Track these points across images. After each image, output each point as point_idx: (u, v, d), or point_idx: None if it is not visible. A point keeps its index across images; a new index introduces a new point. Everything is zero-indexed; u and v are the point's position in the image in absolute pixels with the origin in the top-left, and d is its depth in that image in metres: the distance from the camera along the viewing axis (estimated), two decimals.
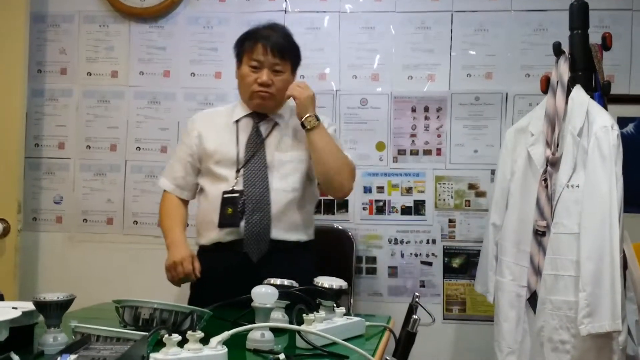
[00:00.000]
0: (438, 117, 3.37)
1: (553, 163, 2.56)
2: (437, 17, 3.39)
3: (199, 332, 1.40)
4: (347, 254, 3.27)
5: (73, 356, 1.31)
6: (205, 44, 3.50)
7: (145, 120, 3.51)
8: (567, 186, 2.49)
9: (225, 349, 1.42)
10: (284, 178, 2.55)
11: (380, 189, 3.39)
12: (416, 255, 3.36)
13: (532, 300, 2.59)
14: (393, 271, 3.38)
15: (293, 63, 2.64)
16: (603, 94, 2.65)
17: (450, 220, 3.36)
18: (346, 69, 3.43)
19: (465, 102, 3.36)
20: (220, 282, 2.44)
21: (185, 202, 2.72)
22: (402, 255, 3.37)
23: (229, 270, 2.47)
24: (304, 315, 1.73)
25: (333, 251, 3.21)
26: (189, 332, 1.39)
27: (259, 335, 1.65)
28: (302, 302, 1.90)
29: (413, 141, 3.38)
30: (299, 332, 1.69)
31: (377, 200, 3.39)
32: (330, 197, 3.30)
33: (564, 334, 2.44)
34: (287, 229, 2.54)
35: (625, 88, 3.25)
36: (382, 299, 3.37)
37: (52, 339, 1.57)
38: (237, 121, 2.63)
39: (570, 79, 2.60)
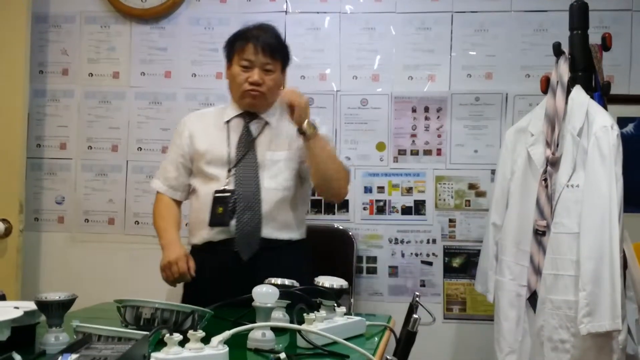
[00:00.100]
0: (438, 117, 3.38)
1: (553, 163, 2.56)
2: (437, 18, 3.39)
3: (200, 331, 1.40)
4: (347, 254, 3.28)
5: (74, 356, 1.32)
6: (206, 45, 3.50)
7: (146, 121, 3.51)
8: (567, 186, 2.49)
9: (226, 349, 1.43)
10: (275, 177, 2.57)
11: (381, 189, 3.40)
12: (416, 255, 3.37)
13: (532, 299, 2.59)
14: (393, 271, 3.38)
15: (283, 62, 2.66)
16: (603, 94, 2.65)
17: (450, 220, 3.36)
18: (346, 69, 3.44)
19: (465, 102, 3.37)
20: (211, 281, 2.48)
21: (179, 203, 2.73)
22: (403, 255, 3.37)
23: (220, 269, 2.50)
24: (304, 314, 1.73)
25: (334, 251, 3.22)
26: (190, 332, 1.40)
27: (260, 334, 1.66)
28: (302, 301, 1.90)
29: (413, 141, 3.39)
30: (299, 331, 1.69)
31: (377, 200, 3.40)
32: None
33: (564, 333, 2.45)
34: (278, 227, 2.55)
35: (625, 88, 3.25)
36: (383, 298, 3.38)
37: (54, 339, 1.58)
38: (228, 121, 2.65)
39: (570, 79, 2.60)
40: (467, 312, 3.35)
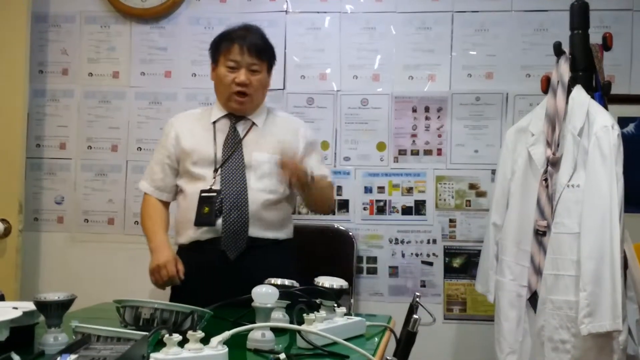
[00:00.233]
0: (439, 117, 3.38)
1: (553, 163, 2.56)
2: (438, 18, 3.39)
3: (200, 332, 1.40)
4: (347, 254, 3.28)
5: (73, 356, 1.32)
6: (206, 45, 3.41)
7: (146, 121, 3.51)
8: (568, 186, 2.49)
9: (226, 349, 1.42)
10: (262, 179, 2.57)
11: (381, 189, 3.39)
12: (417, 255, 3.37)
13: (533, 300, 2.59)
14: (394, 271, 3.38)
15: (269, 63, 2.67)
16: (603, 94, 2.65)
17: (450, 220, 3.36)
18: (347, 69, 3.44)
19: (465, 102, 3.36)
20: (199, 280, 2.49)
21: (166, 204, 2.74)
22: (403, 255, 3.37)
23: (207, 268, 2.50)
24: (304, 315, 1.73)
25: (334, 251, 3.22)
26: (190, 332, 1.40)
27: (259, 335, 1.66)
28: (302, 301, 1.90)
29: (414, 141, 3.38)
30: (299, 331, 1.69)
31: (377, 200, 3.39)
32: None
33: (565, 333, 2.44)
34: (265, 227, 2.56)
35: (625, 88, 3.25)
36: (383, 298, 3.37)
37: (53, 339, 1.57)
38: (214, 122, 2.66)
39: (570, 79, 2.60)
40: (468, 312, 3.34)
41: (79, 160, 3.55)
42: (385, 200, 3.39)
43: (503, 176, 2.84)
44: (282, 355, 1.43)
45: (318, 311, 1.82)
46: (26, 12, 3.31)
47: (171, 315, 1.73)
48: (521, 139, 2.77)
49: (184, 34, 3.51)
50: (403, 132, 3.39)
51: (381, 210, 3.39)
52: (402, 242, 3.37)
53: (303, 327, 1.68)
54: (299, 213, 3.26)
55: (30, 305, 1.65)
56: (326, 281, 1.99)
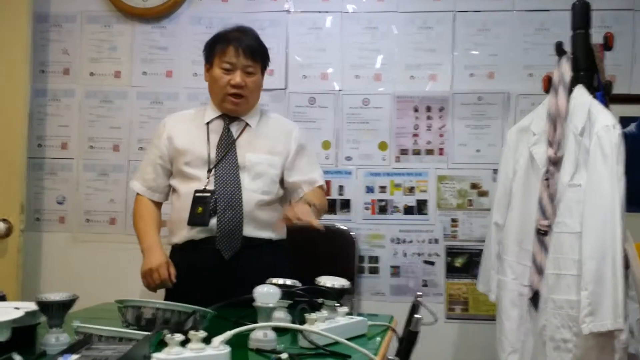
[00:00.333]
0: (440, 116, 3.38)
1: (555, 162, 2.56)
2: (440, 17, 3.39)
3: (202, 331, 1.40)
4: (349, 254, 3.28)
5: (75, 356, 1.32)
6: None
7: (148, 121, 3.51)
8: (569, 185, 2.49)
9: (228, 349, 1.42)
10: (255, 179, 2.58)
11: (383, 189, 3.39)
12: (419, 254, 3.37)
13: (535, 299, 2.59)
14: (395, 271, 3.38)
15: (263, 64, 2.68)
16: (605, 94, 2.65)
17: (452, 220, 3.36)
18: (348, 68, 3.44)
19: (467, 101, 3.36)
20: (193, 280, 2.50)
21: (159, 204, 2.75)
22: (405, 255, 3.37)
23: (202, 267, 2.51)
24: (306, 314, 1.73)
25: (335, 251, 3.21)
26: (192, 332, 1.39)
27: (261, 334, 1.66)
28: (304, 301, 1.90)
29: (415, 141, 3.38)
30: (301, 331, 1.69)
31: (379, 200, 3.39)
32: (332, 197, 3.39)
33: (566, 332, 2.44)
34: (259, 227, 2.56)
35: (626, 88, 3.25)
36: (385, 298, 3.37)
37: (55, 339, 1.58)
38: (208, 123, 2.66)
39: (572, 78, 2.60)
40: (470, 311, 3.34)
41: (80, 160, 3.56)
42: (387, 200, 3.39)
43: (505, 176, 2.84)
44: (284, 355, 1.44)
45: (320, 311, 1.82)
46: (27, 11, 3.31)
47: (173, 315, 1.73)
48: (523, 139, 2.77)
49: (186, 33, 3.51)
50: (405, 132, 3.39)
51: (383, 209, 3.39)
52: (404, 241, 3.37)
53: (305, 326, 1.68)
54: None
55: (32, 306, 1.65)
56: (328, 281, 1.99)
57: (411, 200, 3.38)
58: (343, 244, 3.29)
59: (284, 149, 2.66)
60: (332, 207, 3.40)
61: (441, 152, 3.37)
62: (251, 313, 1.82)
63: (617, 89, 2.83)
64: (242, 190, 2.54)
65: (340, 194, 3.40)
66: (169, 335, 1.36)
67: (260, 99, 2.69)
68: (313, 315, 1.72)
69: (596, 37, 2.70)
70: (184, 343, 1.38)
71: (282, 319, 1.87)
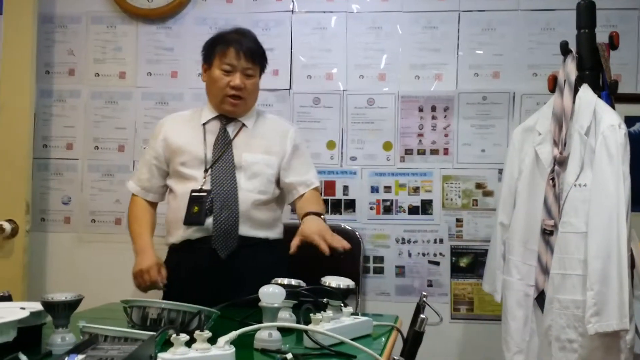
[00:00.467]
0: (445, 116, 3.37)
1: (560, 162, 2.56)
2: (444, 17, 3.38)
3: (207, 331, 1.40)
4: (354, 254, 3.26)
5: (81, 356, 1.32)
6: None
7: (153, 121, 3.50)
8: (575, 185, 2.48)
9: (233, 349, 1.42)
10: (252, 179, 2.61)
11: (388, 189, 3.39)
12: (424, 254, 3.36)
13: (540, 299, 2.58)
14: (400, 271, 3.38)
15: (262, 67, 2.71)
16: (610, 93, 2.64)
17: (457, 220, 3.35)
18: (353, 68, 3.43)
19: (472, 101, 3.36)
20: (190, 279, 2.52)
21: (154, 205, 2.78)
22: (410, 255, 3.37)
23: (198, 267, 2.53)
24: (311, 314, 1.73)
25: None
26: (197, 332, 1.40)
27: (266, 334, 1.66)
28: (309, 301, 1.90)
29: (420, 141, 3.38)
30: (306, 331, 1.69)
31: (384, 200, 3.39)
32: (337, 197, 3.40)
33: (572, 333, 2.44)
34: (255, 226, 2.58)
35: (632, 87, 3.24)
36: (390, 298, 3.37)
37: (60, 339, 1.58)
38: (204, 123, 2.68)
39: (577, 78, 2.59)
40: (475, 312, 3.34)
41: (85, 160, 3.56)
42: (392, 200, 3.39)
43: (510, 175, 2.84)
44: (289, 355, 1.44)
45: (325, 311, 1.82)
46: (32, 12, 3.31)
47: (178, 315, 1.73)
48: (528, 138, 2.77)
49: (190, 34, 3.51)
50: (409, 132, 3.39)
51: (388, 209, 3.39)
52: (409, 241, 3.37)
53: (310, 326, 1.68)
54: None
55: (37, 306, 1.66)
56: (333, 281, 2.00)
57: (416, 200, 3.38)
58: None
59: (280, 149, 2.68)
60: (337, 207, 3.40)
61: (446, 152, 3.37)
62: (256, 313, 1.82)
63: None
64: (238, 189, 2.56)
65: (345, 194, 3.40)
66: (174, 336, 1.37)
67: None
68: (318, 316, 1.72)
69: (601, 37, 2.69)
70: (189, 343, 1.38)
71: (287, 319, 1.87)
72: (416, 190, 3.37)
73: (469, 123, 3.36)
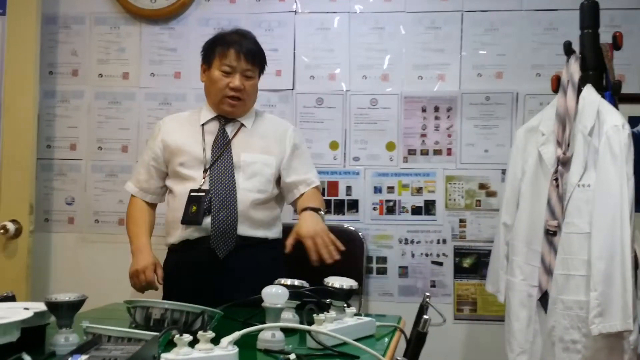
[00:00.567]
0: (448, 116, 3.37)
1: (564, 162, 2.55)
2: (447, 17, 3.38)
3: (210, 332, 1.41)
4: (357, 254, 3.27)
5: (84, 356, 1.32)
6: None
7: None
8: (578, 186, 2.48)
9: (236, 349, 1.43)
10: (250, 178, 2.61)
11: (391, 189, 3.39)
12: (427, 255, 3.36)
13: (543, 300, 2.58)
14: (403, 271, 3.37)
15: (261, 68, 2.72)
16: (614, 94, 2.64)
17: (460, 220, 3.35)
18: (356, 69, 3.43)
19: (475, 101, 3.35)
20: (189, 279, 2.53)
21: (152, 206, 2.79)
22: (413, 255, 3.37)
23: (197, 266, 2.53)
24: (314, 315, 1.73)
25: (343, 251, 3.21)
26: (200, 332, 1.40)
27: (269, 335, 1.66)
28: (312, 301, 1.90)
29: (423, 141, 3.38)
30: (309, 332, 1.69)
31: (387, 200, 3.39)
32: (340, 198, 3.40)
33: (575, 333, 2.44)
34: (254, 226, 2.58)
35: (636, 87, 3.23)
36: (393, 299, 3.37)
37: (64, 340, 1.58)
38: (203, 124, 2.69)
39: (580, 78, 2.59)
40: (478, 312, 3.34)
41: (89, 161, 3.56)
42: (395, 200, 3.39)
43: (513, 176, 2.83)
44: (292, 356, 1.44)
45: (328, 311, 1.82)
46: (36, 13, 3.32)
47: (181, 316, 1.74)
48: (531, 139, 2.76)
49: (194, 34, 3.51)
50: (412, 132, 3.39)
51: (391, 210, 3.39)
52: (412, 242, 3.37)
53: (313, 327, 1.68)
54: None
55: (41, 306, 1.66)
56: (336, 281, 2.00)
57: (419, 201, 3.38)
58: (351, 245, 3.27)
59: (279, 148, 2.69)
60: (340, 208, 3.40)
61: (449, 152, 3.36)
62: (259, 313, 1.82)
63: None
64: (236, 189, 2.56)
65: (348, 195, 3.40)
66: (177, 336, 1.37)
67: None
68: (321, 316, 1.72)
69: (605, 37, 2.69)
70: (192, 343, 1.38)
71: (290, 319, 1.87)
72: (419, 190, 3.37)
73: (472, 123, 3.35)
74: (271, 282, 1.88)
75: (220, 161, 2.59)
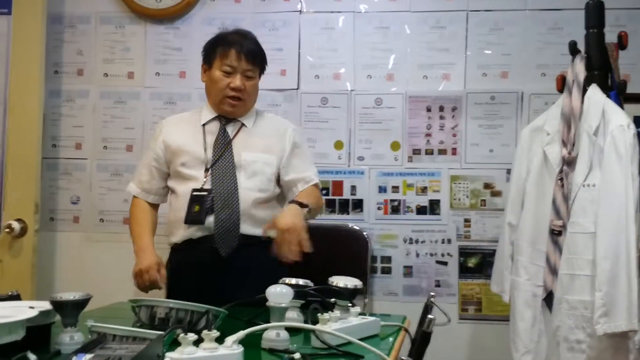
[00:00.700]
0: (453, 116, 3.37)
1: (569, 162, 2.55)
2: (452, 17, 3.38)
3: (215, 331, 1.40)
4: (361, 254, 3.27)
5: (89, 355, 1.32)
6: None
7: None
8: (583, 185, 2.48)
9: (241, 348, 1.42)
10: (252, 177, 2.61)
11: (395, 189, 3.39)
12: (431, 254, 3.36)
13: (548, 299, 2.58)
14: (408, 271, 3.37)
15: (261, 68, 2.72)
16: (619, 93, 2.64)
17: (465, 220, 3.35)
18: (361, 68, 3.43)
19: (480, 101, 3.35)
20: (192, 278, 2.53)
21: (155, 206, 2.79)
22: (418, 255, 3.36)
23: (200, 265, 2.54)
24: (319, 314, 1.73)
25: (348, 251, 3.22)
26: (205, 332, 1.40)
27: (274, 334, 1.66)
28: (316, 301, 1.90)
29: (428, 141, 3.38)
30: (314, 331, 1.69)
31: (392, 200, 3.39)
32: (345, 197, 3.40)
33: (580, 333, 2.43)
34: (256, 224, 2.57)
35: None
36: (397, 298, 3.37)
37: (69, 338, 1.58)
38: (204, 124, 2.69)
39: (586, 78, 2.59)
40: (483, 312, 3.33)
41: (94, 160, 3.57)
42: (400, 200, 3.39)
43: (518, 176, 2.83)
44: (297, 355, 1.44)
45: (332, 311, 1.82)
46: (41, 13, 3.32)
47: (186, 315, 1.74)
48: (536, 139, 2.76)
49: (199, 34, 3.51)
50: (417, 132, 3.39)
51: (395, 209, 3.39)
52: (417, 241, 3.37)
53: (317, 326, 1.68)
54: None
55: (46, 305, 1.66)
56: (340, 281, 1.99)
57: (424, 200, 3.38)
58: (356, 244, 3.29)
59: (279, 147, 2.69)
60: (345, 207, 3.40)
61: (454, 152, 3.36)
62: (264, 313, 1.82)
63: (631, 88, 2.81)
64: (238, 188, 2.56)
65: (353, 194, 3.40)
66: (182, 335, 1.37)
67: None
68: (326, 315, 1.72)
69: (610, 36, 2.69)
70: (197, 343, 1.38)
71: (294, 318, 1.87)
72: (424, 190, 3.37)
73: (477, 123, 3.35)
74: (274, 281, 1.88)
75: (221, 161, 2.59)
